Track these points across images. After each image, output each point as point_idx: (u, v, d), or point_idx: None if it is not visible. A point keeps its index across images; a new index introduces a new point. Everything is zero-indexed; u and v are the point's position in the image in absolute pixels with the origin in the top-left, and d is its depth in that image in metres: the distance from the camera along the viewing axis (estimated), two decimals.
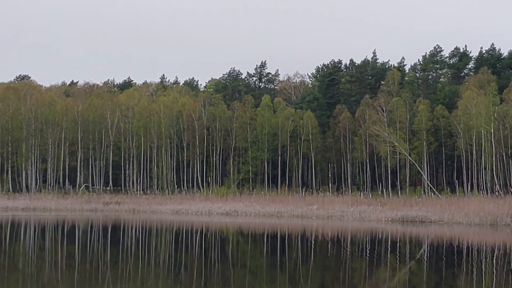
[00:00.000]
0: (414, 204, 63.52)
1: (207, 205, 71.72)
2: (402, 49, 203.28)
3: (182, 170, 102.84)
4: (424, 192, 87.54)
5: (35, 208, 73.94)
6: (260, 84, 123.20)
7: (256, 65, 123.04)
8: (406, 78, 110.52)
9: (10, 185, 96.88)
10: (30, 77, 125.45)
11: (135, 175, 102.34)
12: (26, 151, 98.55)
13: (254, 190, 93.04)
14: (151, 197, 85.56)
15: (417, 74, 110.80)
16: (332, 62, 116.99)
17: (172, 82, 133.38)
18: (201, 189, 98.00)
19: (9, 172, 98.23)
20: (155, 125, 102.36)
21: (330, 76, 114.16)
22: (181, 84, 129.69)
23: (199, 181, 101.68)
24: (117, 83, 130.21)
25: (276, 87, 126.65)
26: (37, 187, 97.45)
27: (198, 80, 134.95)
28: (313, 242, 39.11)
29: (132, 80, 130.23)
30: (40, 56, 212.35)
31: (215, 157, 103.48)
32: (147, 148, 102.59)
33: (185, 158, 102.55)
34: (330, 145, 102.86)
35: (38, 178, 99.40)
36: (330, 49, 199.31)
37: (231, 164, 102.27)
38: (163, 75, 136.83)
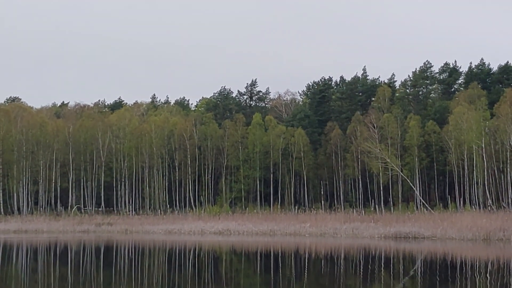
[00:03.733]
0: (407, 220, 63.51)
1: (199, 224, 71.53)
2: (392, 65, 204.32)
3: (174, 189, 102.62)
4: (417, 208, 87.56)
5: (27, 230, 73.61)
6: (251, 102, 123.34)
7: (247, 83, 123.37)
8: (397, 94, 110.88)
9: (1, 207, 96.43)
10: (20, 99, 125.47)
11: (127, 195, 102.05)
12: (17, 173, 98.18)
13: (247, 208, 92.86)
14: (144, 218, 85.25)
15: (407, 90, 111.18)
16: (323, 79, 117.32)
17: (163, 101, 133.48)
18: (194, 209, 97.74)
19: (1, 194, 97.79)
20: (147, 145, 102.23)
21: (321, 93, 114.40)
22: (172, 103, 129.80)
23: (192, 201, 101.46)
24: (107, 104, 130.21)
25: (267, 105, 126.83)
26: (29, 209, 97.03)
27: (189, 100, 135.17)
28: (306, 259, 39.02)
29: (123, 100, 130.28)
30: (31, 78, 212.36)
31: (207, 176, 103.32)
32: (138, 168, 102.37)
33: (177, 177, 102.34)
34: (322, 162, 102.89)
35: (29, 200, 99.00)
36: (321, 67, 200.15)
37: (223, 183, 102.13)
38: (154, 94, 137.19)
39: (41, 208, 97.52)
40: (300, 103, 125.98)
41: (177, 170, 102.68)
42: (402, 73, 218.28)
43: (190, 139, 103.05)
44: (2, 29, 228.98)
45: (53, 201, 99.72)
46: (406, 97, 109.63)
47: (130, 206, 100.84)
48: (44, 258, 41.92)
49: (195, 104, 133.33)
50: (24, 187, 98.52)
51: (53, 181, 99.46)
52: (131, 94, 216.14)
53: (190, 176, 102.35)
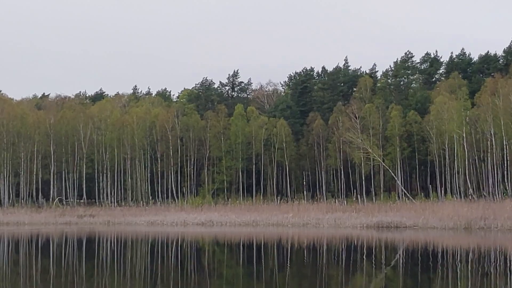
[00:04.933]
0: (389, 209, 63.83)
1: (182, 215, 71.52)
2: (374, 55, 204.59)
3: (157, 181, 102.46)
4: (399, 197, 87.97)
5: (8, 223, 73.28)
6: (233, 93, 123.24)
7: (229, 74, 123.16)
8: (378, 85, 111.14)
9: None
10: (1, 91, 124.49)
11: (109, 187, 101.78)
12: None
13: (229, 199, 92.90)
14: (126, 209, 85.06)
15: (389, 80, 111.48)
16: (305, 70, 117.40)
17: (144, 93, 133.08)
18: (176, 200, 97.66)
19: None
20: (128, 136, 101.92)
21: (303, 84, 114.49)
22: (153, 95, 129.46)
23: (174, 192, 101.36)
24: (89, 95, 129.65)
25: (249, 96, 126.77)
26: (10, 201, 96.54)
27: (170, 91, 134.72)
28: (289, 250, 39.12)
29: (104, 92, 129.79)
30: (11, 69, 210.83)
31: (190, 167, 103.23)
32: (120, 160, 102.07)
33: (159, 169, 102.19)
34: (304, 153, 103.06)
35: (11, 192, 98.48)
36: (302, 57, 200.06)
37: (206, 174, 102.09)
38: (135, 86, 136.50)
39: (22, 200, 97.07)
40: (282, 93, 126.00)
41: (159, 161, 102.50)
42: (384, 64, 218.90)
43: (172, 130, 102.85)
44: None
45: (34, 193, 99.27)
46: (388, 87, 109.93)
47: (112, 198, 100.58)
48: (26, 251, 41.77)
49: (177, 95, 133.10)
50: (5, 179, 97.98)
51: (35, 173, 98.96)
52: (113, 85, 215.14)
53: (172, 167, 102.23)
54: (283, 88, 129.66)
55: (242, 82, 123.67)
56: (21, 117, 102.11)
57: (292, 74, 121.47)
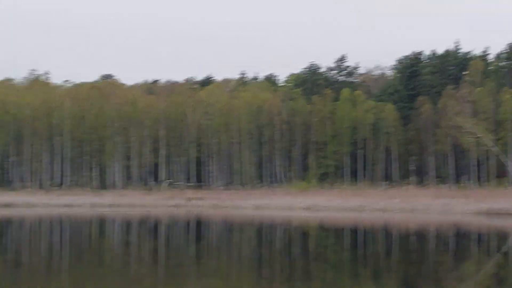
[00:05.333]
0: (500, 196, 62.20)
1: (288, 200, 71.80)
2: (486, 38, 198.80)
3: (263, 165, 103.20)
4: (510, 183, 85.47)
5: (121, 205, 75.45)
6: (340, 77, 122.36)
7: (336, 58, 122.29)
8: (491, 68, 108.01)
9: (97, 181, 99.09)
10: (113, 76, 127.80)
11: (216, 171, 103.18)
12: (111, 149, 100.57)
13: (335, 184, 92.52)
14: (233, 193, 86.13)
15: (502, 63, 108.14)
16: (413, 53, 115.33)
17: (251, 77, 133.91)
18: (282, 184, 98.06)
19: (96, 169, 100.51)
20: (236, 121, 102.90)
21: (411, 67, 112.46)
22: (260, 79, 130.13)
23: (280, 176, 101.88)
24: (197, 80, 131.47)
25: (356, 80, 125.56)
26: (122, 184, 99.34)
27: (277, 75, 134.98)
28: (396, 236, 38.76)
29: (212, 77, 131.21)
30: (123, 55, 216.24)
31: (296, 151, 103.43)
32: (228, 144, 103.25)
33: (265, 153, 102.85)
34: (412, 138, 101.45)
35: (123, 175, 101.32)
36: (411, 40, 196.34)
37: (312, 158, 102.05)
38: (243, 71, 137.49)
39: (134, 183, 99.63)
40: (390, 77, 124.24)
41: (265, 145, 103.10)
42: (497, 46, 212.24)
43: (278, 115, 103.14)
44: (96, 8, 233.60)
45: (145, 176, 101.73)
46: (501, 70, 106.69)
47: (220, 181, 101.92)
48: (137, 232, 42.99)
49: (284, 80, 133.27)
50: (118, 163, 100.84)
51: (145, 156, 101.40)
52: (220, 70, 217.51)
53: (278, 152, 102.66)
54: (391, 72, 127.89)
55: (349, 66, 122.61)
56: (132, 102, 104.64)
57: (400, 58, 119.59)
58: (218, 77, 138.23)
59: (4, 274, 23.38)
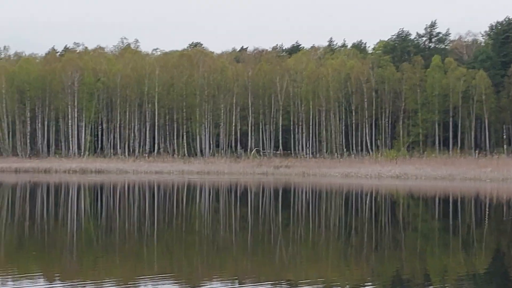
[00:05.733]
0: None
1: (376, 168, 71.23)
2: None
3: (351, 133, 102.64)
4: None
5: (209, 172, 76.34)
6: (430, 44, 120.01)
7: (426, 24, 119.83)
8: None
9: (185, 149, 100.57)
10: (202, 44, 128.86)
11: (304, 139, 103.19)
12: (199, 117, 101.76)
13: (425, 152, 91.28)
14: (320, 161, 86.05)
15: None
16: (507, 19, 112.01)
17: (339, 45, 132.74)
18: (370, 152, 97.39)
19: (184, 137, 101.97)
20: (323, 88, 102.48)
21: (504, 33, 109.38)
22: (349, 47, 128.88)
23: (368, 144, 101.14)
24: (285, 48, 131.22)
25: (446, 47, 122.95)
26: (211, 152, 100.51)
27: (366, 42, 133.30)
28: (487, 205, 38.01)
29: (300, 44, 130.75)
30: (211, 23, 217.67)
31: (384, 119, 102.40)
32: (315, 112, 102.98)
33: (353, 121, 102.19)
34: (505, 106, 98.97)
35: (211, 142, 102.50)
36: (505, 6, 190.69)
37: (401, 126, 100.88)
38: (331, 38, 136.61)
39: (222, 151, 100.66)
40: (482, 44, 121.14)
41: (353, 113, 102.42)
42: None
43: (367, 83, 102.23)
44: None
45: (233, 144, 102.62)
46: None
47: (307, 149, 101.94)
48: (225, 199, 43.47)
49: (373, 47, 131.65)
50: (206, 130, 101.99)
51: (233, 124, 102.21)
52: (308, 38, 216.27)
53: (366, 120, 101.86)
54: (483, 39, 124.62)
55: (440, 32, 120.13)
56: (221, 70, 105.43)
57: (493, 24, 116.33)
58: (306, 44, 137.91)
59: (98, 239, 24.03)
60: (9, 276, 15.90)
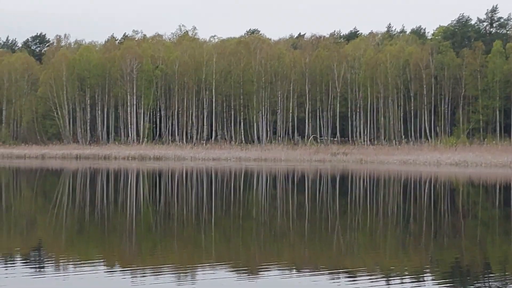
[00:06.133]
0: None
1: (435, 155, 70.43)
2: None
3: (409, 120, 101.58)
4: None
5: (266, 159, 76.48)
6: (491, 29, 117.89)
7: (487, 9, 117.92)
8: None
9: (242, 136, 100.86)
10: (259, 31, 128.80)
11: (362, 125, 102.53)
12: (256, 104, 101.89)
13: (485, 139, 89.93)
14: (378, 148, 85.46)
15: None
16: None
17: (398, 31, 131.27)
18: (429, 139, 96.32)
19: (241, 124, 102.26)
20: (382, 75, 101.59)
21: None
22: (407, 32, 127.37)
23: (427, 131, 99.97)
24: (343, 34, 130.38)
25: (508, 32, 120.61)
26: (268, 138, 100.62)
27: (425, 28, 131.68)
28: None
29: (358, 31, 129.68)
30: (269, 10, 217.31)
31: (444, 106, 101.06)
32: (373, 99, 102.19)
33: (412, 108, 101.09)
34: None
35: (268, 129, 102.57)
36: None
37: (461, 113, 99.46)
38: (389, 24, 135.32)
39: (279, 138, 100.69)
40: None
41: (412, 100, 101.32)
42: None
43: (426, 69, 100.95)
44: None
45: (290, 131, 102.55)
46: None
47: (365, 136, 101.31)
48: (282, 186, 43.48)
49: (432, 32, 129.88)
50: (263, 117, 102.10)
51: (290, 111, 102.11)
52: (367, 24, 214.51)
53: (425, 106, 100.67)
54: None
55: (501, 17, 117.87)
56: (278, 57, 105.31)
57: None
58: (364, 30, 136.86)
59: (156, 225, 24.28)
60: (70, 262, 16.18)
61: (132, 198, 34.12)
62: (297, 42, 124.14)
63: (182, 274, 14.66)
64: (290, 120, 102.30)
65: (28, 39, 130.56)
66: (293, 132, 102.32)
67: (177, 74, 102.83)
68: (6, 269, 15.06)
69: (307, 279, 14.42)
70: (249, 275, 14.73)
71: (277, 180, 48.39)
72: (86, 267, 15.38)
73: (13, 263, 15.96)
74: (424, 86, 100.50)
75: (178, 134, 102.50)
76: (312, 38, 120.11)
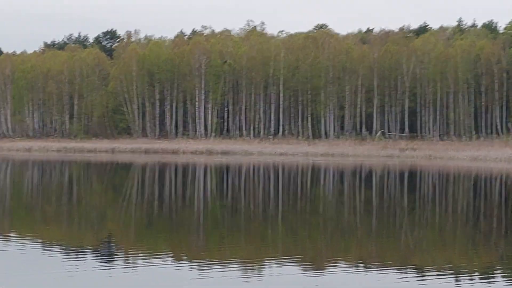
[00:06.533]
0: None
1: (507, 151, 69.01)
2: None
3: (480, 115, 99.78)
4: None
5: (333, 154, 76.17)
6: None
7: None
8: None
9: (309, 131, 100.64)
10: (327, 26, 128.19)
11: (431, 121, 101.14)
12: (324, 99, 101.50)
13: None
14: (448, 144, 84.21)
15: None
16: None
17: (469, 25, 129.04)
18: (501, 135, 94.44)
19: (309, 119, 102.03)
20: (452, 70, 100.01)
21: None
22: (479, 26, 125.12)
23: (498, 127, 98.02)
24: (412, 29, 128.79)
25: None
26: (335, 134, 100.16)
27: (497, 22, 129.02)
28: None
29: (428, 25, 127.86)
30: (337, 4, 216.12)
31: None
32: (443, 94, 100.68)
33: (483, 103, 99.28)
34: None
35: (335, 124, 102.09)
36: None
37: None
38: (460, 18, 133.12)
39: (346, 133, 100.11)
40: None
41: (483, 95, 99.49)
42: None
43: (497, 63, 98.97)
44: None
45: (358, 126, 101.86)
46: None
47: (434, 132, 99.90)
48: (349, 181, 43.23)
49: (504, 26, 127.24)
50: (331, 112, 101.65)
51: (358, 106, 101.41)
52: (437, 18, 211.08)
53: (497, 102, 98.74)
54: None
55: None
56: (346, 51, 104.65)
57: None
58: (434, 25, 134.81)
59: (224, 219, 24.43)
60: (139, 255, 16.41)
61: (200, 192, 34.42)
62: (365, 36, 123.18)
63: (249, 269, 14.72)
64: (358, 115, 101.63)
65: (99, 35, 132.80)
66: (360, 127, 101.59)
67: (245, 69, 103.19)
68: (78, 261, 15.38)
69: (374, 276, 14.32)
70: (315, 271, 14.71)
71: (344, 176, 48.16)
72: (155, 260, 15.58)
73: (84, 255, 16.28)
74: (496, 81, 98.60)
75: (245, 129, 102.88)
76: (381, 32, 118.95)
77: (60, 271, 14.05)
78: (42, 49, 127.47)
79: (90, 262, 15.24)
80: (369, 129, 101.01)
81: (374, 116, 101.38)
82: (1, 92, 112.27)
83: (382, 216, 25.26)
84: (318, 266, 15.20)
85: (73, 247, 17.40)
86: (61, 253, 16.31)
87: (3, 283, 12.85)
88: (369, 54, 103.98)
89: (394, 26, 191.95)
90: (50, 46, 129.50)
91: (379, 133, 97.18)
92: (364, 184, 41.15)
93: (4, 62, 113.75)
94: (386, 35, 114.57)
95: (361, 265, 15.54)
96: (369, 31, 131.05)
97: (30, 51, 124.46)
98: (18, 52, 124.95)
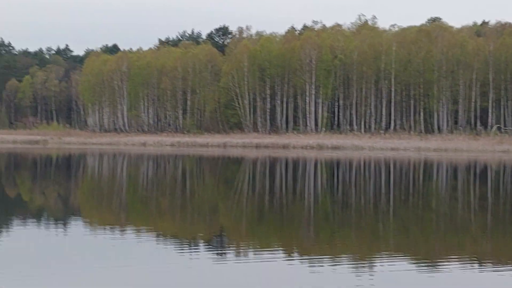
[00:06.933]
0: None
1: None
2: None
3: None
4: None
5: (446, 149, 74.69)
6: None
7: None
8: None
9: (422, 126, 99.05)
10: (441, 19, 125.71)
11: None
12: (437, 93, 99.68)
13: None
14: None
15: None
16: None
17: None
18: None
19: (421, 113, 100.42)
20: None
21: None
22: None
23: None
24: None
25: None
26: (448, 128, 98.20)
27: None
28: None
29: None
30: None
31: None
32: None
33: None
34: None
35: (449, 119, 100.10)
36: None
37: None
38: None
39: (460, 127, 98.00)
40: None
41: None
42: None
43: None
44: None
45: (472, 121, 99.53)
46: None
47: None
48: (463, 177, 42.24)
49: None
50: (444, 107, 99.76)
51: (473, 100, 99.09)
52: None
53: None
54: None
55: None
56: (460, 44, 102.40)
57: None
58: None
59: (334, 214, 24.37)
60: (250, 248, 16.58)
61: (310, 187, 34.44)
62: (480, 29, 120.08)
63: (360, 264, 14.63)
64: (473, 109, 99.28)
65: (212, 31, 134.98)
66: (475, 122, 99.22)
67: (355, 64, 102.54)
68: (191, 253, 15.68)
69: (490, 274, 13.96)
70: (428, 268, 14.46)
71: (458, 171, 47.13)
72: (266, 254, 15.69)
73: (197, 248, 16.59)
74: None
75: (356, 124, 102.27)
76: (497, 25, 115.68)
77: (176, 262, 14.39)
78: (157, 46, 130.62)
79: (202, 255, 15.51)
80: (484, 123, 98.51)
81: (489, 110, 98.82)
82: (118, 89, 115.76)
83: (498, 212, 24.58)
84: (431, 263, 14.94)
85: (187, 240, 17.76)
86: (175, 245, 16.67)
87: (122, 271, 13.25)
88: (484, 47, 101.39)
89: (510, 18, 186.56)
90: (164, 43, 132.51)
91: (494, 127, 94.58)
92: (478, 179, 40.16)
93: (121, 60, 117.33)
94: (502, 27, 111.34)
95: (476, 262, 15.17)
96: (484, 23, 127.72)
97: (145, 48, 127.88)
98: (134, 49, 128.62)
